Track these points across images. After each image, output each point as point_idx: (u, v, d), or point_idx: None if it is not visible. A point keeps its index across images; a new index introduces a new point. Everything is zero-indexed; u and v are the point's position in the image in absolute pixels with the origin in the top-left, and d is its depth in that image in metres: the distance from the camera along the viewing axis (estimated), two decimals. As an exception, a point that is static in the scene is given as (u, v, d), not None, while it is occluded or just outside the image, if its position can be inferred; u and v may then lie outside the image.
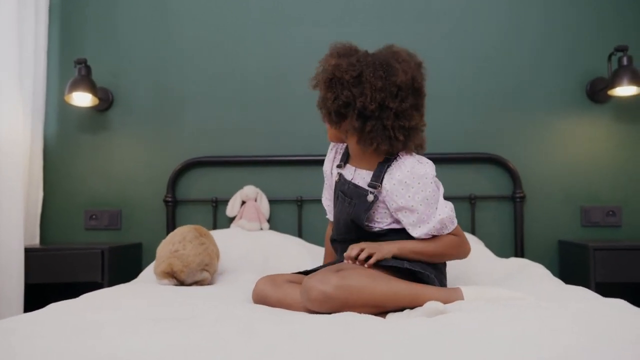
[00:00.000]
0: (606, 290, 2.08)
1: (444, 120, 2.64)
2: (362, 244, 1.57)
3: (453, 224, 1.64)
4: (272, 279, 1.63)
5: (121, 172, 2.77)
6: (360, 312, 1.39)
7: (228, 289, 1.86)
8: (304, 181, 2.70)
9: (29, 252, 2.40)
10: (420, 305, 1.42)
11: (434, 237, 1.63)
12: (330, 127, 1.72)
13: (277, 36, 2.76)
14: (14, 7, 2.46)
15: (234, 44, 2.77)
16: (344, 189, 1.72)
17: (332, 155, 1.85)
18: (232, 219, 2.67)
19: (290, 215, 2.71)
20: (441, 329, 1.15)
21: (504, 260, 2.30)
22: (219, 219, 2.71)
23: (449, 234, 1.64)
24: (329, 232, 1.92)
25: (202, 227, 2.13)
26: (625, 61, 2.44)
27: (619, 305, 1.36)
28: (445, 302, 1.45)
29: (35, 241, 2.69)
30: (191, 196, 2.74)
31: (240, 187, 2.68)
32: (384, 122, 1.57)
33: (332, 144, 1.86)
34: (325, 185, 1.92)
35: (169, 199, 2.68)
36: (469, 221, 2.63)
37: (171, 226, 2.66)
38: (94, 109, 2.75)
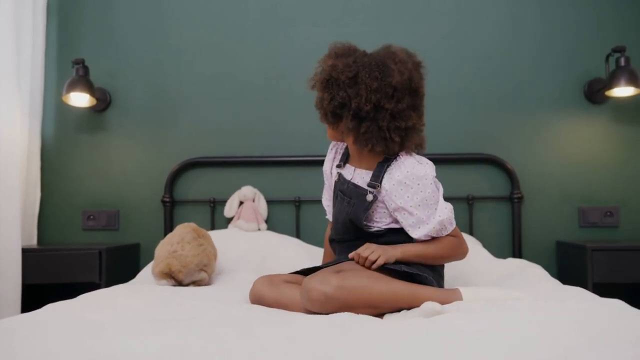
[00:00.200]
0: (604, 290, 2.08)
1: (442, 120, 2.64)
2: (373, 246, 1.57)
3: (452, 226, 1.64)
4: (270, 279, 1.63)
5: (119, 172, 2.76)
6: (359, 313, 1.39)
7: (226, 290, 1.86)
8: (302, 182, 2.70)
9: (26, 252, 2.40)
10: (419, 305, 1.42)
11: (433, 239, 1.63)
12: (329, 127, 1.72)
13: (275, 36, 2.76)
14: (12, 7, 2.46)
15: (232, 45, 2.77)
16: (343, 188, 1.72)
17: (332, 155, 1.86)
18: (229, 220, 2.67)
19: (288, 215, 2.71)
20: (439, 330, 1.15)
21: (501, 260, 2.30)
22: (216, 220, 2.71)
23: (447, 235, 1.64)
24: (328, 232, 1.92)
25: (200, 227, 2.13)
26: (622, 62, 2.44)
27: (618, 305, 1.36)
28: (443, 303, 1.46)
29: (33, 241, 2.68)
30: (189, 197, 2.73)
31: (238, 187, 2.68)
32: (379, 123, 1.57)
33: (332, 144, 1.86)
34: (325, 186, 1.92)
35: (167, 200, 2.67)
36: (467, 222, 2.63)
37: (169, 227, 2.66)
38: (91, 109, 2.74)
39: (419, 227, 1.61)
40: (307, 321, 1.28)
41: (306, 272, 1.72)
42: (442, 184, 1.68)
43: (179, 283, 1.95)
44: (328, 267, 1.61)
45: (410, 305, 1.45)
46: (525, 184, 2.64)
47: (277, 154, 2.71)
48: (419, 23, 2.72)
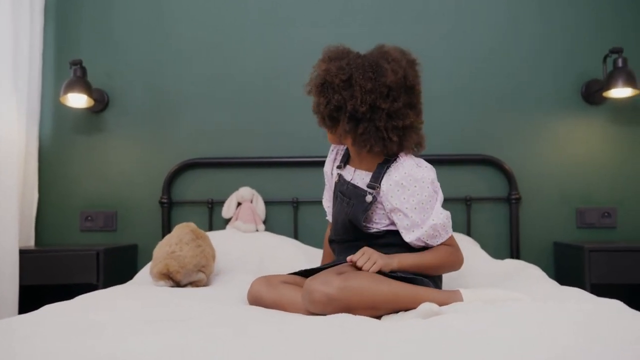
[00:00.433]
0: (601, 291, 2.07)
1: (440, 120, 2.65)
2: (369, 251, 1.56)
3: (447, 233, 1.64)
4: (267, 280, 1.63)
5: (116, 173, 2.76)
6: (359, 315, 1.39)
7: (224, 290, 1.86)
8: (300, 182, 2.70)
9: (23, 253, 2.39)
10: (419, 307, 1.42)
11: (430, 248, 1.63)
12: (328, 131, 1.72)
13: (275, 37, 2.76)
14: (9, 8, 2.45)
15: (231, 45, 2.77)
16: (343, 189, 1.72)
17: (332, 157, 1.86)
18: (227, 221, 2.67)
19: (286, 216, 2.70)
20: (438, 330, 1.15)
21: (499, 261, 2.30)
22: (214, 221, 2.71)
23: (443, 244, 1.64)
24: (328, 233, 1.92)
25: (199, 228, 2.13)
26: (620, 63, 2.44)
27: (617, 306, 1.36)
28: (444, 304, 1.46)
29: (30, 242, 2.68)
30: (187, 197, 2.73)
31: (236, 188, 2.67)
32: (376, 123, 1.57)
33: (332, 145, 1.86)
34: (325, 187, 1.92)
35: (165, 201, 2.67)
36: (465, 223, 2.63)
37: (167, 228, 2.65)
38: (89, 110, 2.74)
39: (413, 230, 1.61)
40: (305, 322, 1.28)
41: (304, 273, 1.72)
42: (440, 185, 1.68)
43: (177, 284, 1.95)
44: (328, 269, 1.61)
45: (411, 306, 1.45)
46: (523, 184, 2.65)
47: (275, 154, 2.71)
48: (418, 23, 2.72)
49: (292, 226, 2.69)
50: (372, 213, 1.66)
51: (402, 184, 1.59)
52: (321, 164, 1.92)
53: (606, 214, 2.63)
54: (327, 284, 1.42)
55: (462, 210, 2.64)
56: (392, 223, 1.66)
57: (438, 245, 1.64)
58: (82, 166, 2.77)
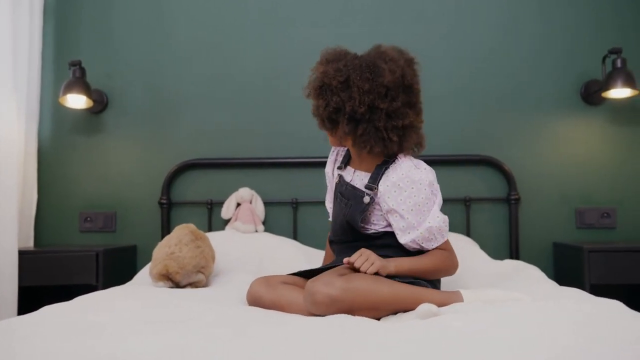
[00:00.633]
0: (601, 292, 2.07)
1: (440, 121, 2.64)
2: (367, 253, 1.55)
3: (443, 237, 1.63)
4: (267, 280, 1.63)
5: (116, 174, 2.76)
6: (363, 316, 1.38)
7: (223, 291, 1.85)
8: (299, 183, 2.70)
9: (22, 254, 2.39)
10: (421, 308, 1.41)
11: (425, 252, 1.62)
12: (328, 133, 1.72)
13: (275, 37, 2.76)
14: (8, 8, 2.45)
15: (231, 45, 2.77)
16: (342, 190, 1.72)
17: (333, 157, 1.86)
18: (227, 221, 2.66)
19: (286, 217, 2.70)
20: (438, 331, 1.15)
21: (498, 262, 2.30)
22: (214, 221, 2.70)
23: (438, 248, 1.63)
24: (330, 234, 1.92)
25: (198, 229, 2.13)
26: (619, 63, 2.44)
27: (616, 306, 1.36)
28: (444, 305, 1.46)
29: (30, 243, 2.67)
30: (186, 198, 2.73)
31: (235, 189, 2.67)
32: (375, 123, 1.57)
33: (333, 147, 1.86)
34: (328, 188, 1.92)
35: (164, 201, 2.67)
36: (464, 223, 2.63)
37: (166, 228, 2.65)
38: (88, 111, 2.74)
39: (409, 232, 1.60)
40: (305, 322, 1.28)
41: (304, 274, 1.72)
42: (439, 185, 1.67)
43: (177, 285, 1.95)
44: (329, 270, 1.61)
45: (411, 307, 1.44)
46: (523, 185, 2.65)
47: (275, 155, 2.71)
48: (417, 23, 2.72)
49: (291, 227, 2.68)
50: (369, 214, 1.66)
51: (399, 185, 1.59)
52: (321, 164, 1.92)
53: (605, 215, 2.63)
54: (330, 286, 1.42)
55: (462, 210, 2.64)
56: (390, 224, 1.66)
57: (433, 249, 1.63)
58: (82, 167, 2.77)
